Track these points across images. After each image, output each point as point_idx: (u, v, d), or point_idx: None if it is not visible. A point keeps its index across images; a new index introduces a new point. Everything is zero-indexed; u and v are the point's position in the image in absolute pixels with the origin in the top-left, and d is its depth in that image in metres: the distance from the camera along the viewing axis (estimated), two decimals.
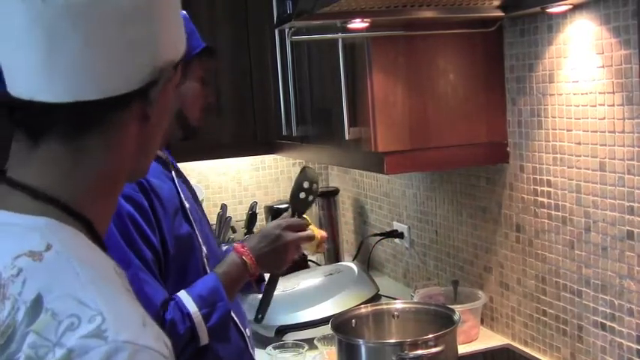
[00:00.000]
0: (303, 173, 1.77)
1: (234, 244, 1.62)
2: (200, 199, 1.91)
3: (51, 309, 0.65)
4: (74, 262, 0.69)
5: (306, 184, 1.74)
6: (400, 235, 2.65)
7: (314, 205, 3.05)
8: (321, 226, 3.00)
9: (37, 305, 0.66)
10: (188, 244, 1.59)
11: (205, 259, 1.61)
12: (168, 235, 1.53)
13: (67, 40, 0.69)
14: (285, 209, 2.93)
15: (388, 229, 2.73)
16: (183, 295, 1.49)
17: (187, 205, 1.65)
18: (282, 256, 1.65)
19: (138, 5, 0.72)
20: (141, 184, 1.52)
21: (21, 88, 0.72)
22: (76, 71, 0.70)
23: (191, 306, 1.47)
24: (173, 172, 1.69)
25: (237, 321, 1.65)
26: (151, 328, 0.70)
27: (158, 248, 1.50)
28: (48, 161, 0.73)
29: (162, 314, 1.44)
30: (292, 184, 1.78)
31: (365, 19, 1.68)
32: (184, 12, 1.62)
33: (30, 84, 0.71)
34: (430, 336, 1.60)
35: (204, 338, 1.49)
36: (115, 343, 0.64)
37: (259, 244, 1.63)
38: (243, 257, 1.60)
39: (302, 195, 1.74)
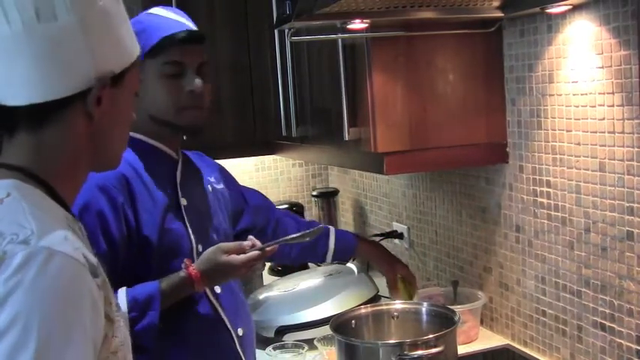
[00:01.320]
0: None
1: (185, 262, 1.58)
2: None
3: (1, 231, 0.89)
4: (23, 202, 0.93)
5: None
6: (400, 236, 2.65)
7: (314, 205, 3.05)
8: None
9: None
10: (177, 239, 1.62)
11: (196, 257, 1.63)
12: (152, 227, 1.58)
13: (15, 58, 0.94)
14: (284, 210, 2.94)
15: (388, 230, 2.73)
16: (122, 292, 1.51)
17: (184, 203, 1.66)
18: (228, 277, 1.63)
19: (63, 30, 0.94)
20: (123, 179, 1.56)
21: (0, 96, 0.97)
22: (26, 81, 0.95)
23: (123, 305, 1.48)
24: (178, 172, 1.69)
25: (227, 320, 1.66)
26: (73, 242, 0.91)
27: (118, 244, 1.55)
28: (20, 147, 0.99)
29: None
30: None
31: (364, 20, 1.68)
32: (142, 13, 1.64)
33: (1, 92, 0.97)
34: (430, 336, 1.60)
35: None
36: (35, 247, 0.87)
37: (206, 267, 1.58)
38: (190, 273, 1.56)
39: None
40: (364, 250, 2.14)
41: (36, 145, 0.99)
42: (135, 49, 1.06)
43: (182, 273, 1.56)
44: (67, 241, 0.91)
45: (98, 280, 0.93)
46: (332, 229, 2.10)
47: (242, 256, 1.58)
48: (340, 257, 2.11)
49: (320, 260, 2.12)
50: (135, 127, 1.52)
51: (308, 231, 1.71)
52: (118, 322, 0.98)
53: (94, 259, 0.95)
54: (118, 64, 1.01)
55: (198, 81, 1.65)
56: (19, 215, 0.91)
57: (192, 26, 1.69)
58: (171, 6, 2.47)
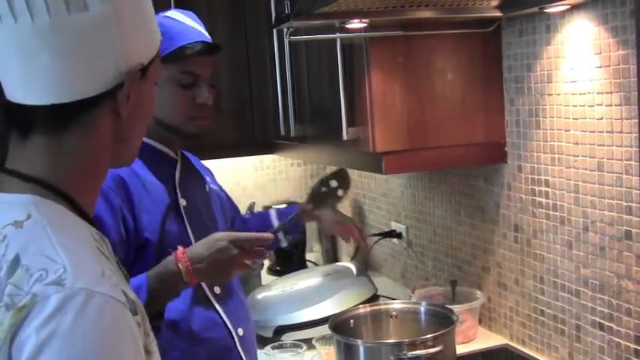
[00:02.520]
0: (336, 173, 1.76)
1: (178, 248, 1.51)
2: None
3: (25, 265, 0.79)
4: (48, 227, 0.82)
5: (333, 183, 1.72)
6: (398, 236, 2.65)
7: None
8: (318, 227, 3.01)
9: (15, 263, 0.80)
10: (176, 239, 1.60)
11: None
12: (151, 229, 1.58)
13: (37, 54, 0.84)
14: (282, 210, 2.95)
15: (386, 230, 2.73)
16: None
17: (183, 204, 1.66)
18: (223, 270, 1.53)
19: (95, 21, 0.85)
20: (120, 180, 1.55)
21: (11, 93, 0.87)
22: (48, 79, 0.85)
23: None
24: (177, 172, 1.69)
25: (227, 320, 1.65)
26: (110, 279, 0.82)
27: (117, 247, 1.51)
28: (35, 152, 0.88)
29: None
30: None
31: (363, 20, 1.68)
32: (162, 14, 1.61)
33: (16, 90, 0.87)
34: (429, 336, 1.60)
35: None
36: (72, 289, 0.77)
37: (201, 254, 1.50)
38: (179, 264, 1.47)
39: (323, 189, 1.73)
40: (311, 216, 2.07)
41: (55, 150, 0.88)
42: (158, 36, 0.97)
43: (171, 264, 1.49)
44: (105, 278, 0.81)
45: (138, 318, 0.84)
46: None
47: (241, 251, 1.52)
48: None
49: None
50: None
51: (292, 215, 1.79)
52: (156, 353, 0.91)
53: (132, 295, 0.85)
54: (147, 54, 0.92)
55: (209, 94, 1.66)
56: (46, 245, 0.81)
57: (207, 35, 1.69)
58: (171, 6, 2.47)
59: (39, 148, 0.88)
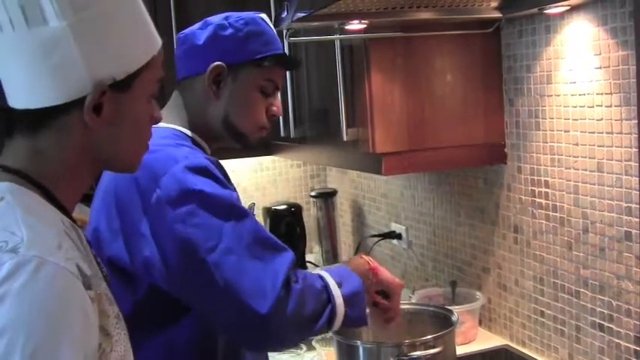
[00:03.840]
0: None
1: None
2: None
3: None
4: (17, 208, 0.90)
5: None
6: (398, 236, 2.65)
7: (312, 205, 3.05)
8: (318, 228, 3.01)
9: None
10: None
11: None
12: None
13: (7, 63, 0.93)
14: (283, 211, 2.95)
15: (386, 230, 2.73)
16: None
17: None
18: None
19: (53, 36, 0.90)
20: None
21: (6, 97, 0.96)
22: (18, 86, 0.93)
23: (319, 272, 1.44)
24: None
25: None
26: (66, 252, 0.88)
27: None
28: (17, 149, 0.97)
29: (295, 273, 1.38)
30: None
31: (363, 21, 1.69)
32: (257, 14, 1.53)
33: (3, 93, 0.96)
34: (429, 337, 1.60)
35: (339, 304, 1.40)
36: (24, 256, 0.84)
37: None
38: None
39: None
40: None
41: (32, 148, 0.96)
42: (150, 49, 0.99)
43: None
44: (60, 250, 0.87)
45: (91, 293, 0.89)
46: None
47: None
48: None
49: None
50: (193, 124, 1.49)
51: None
52: (117, 336, 0.94)
53: (88, 271, 0.91)
54: (120, 69, 0.95)
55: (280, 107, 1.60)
56: (11, 222, 0.88)
57: None
58: (170, 7, 2.48)
59: (19, 146, 0.96)
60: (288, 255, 1.38)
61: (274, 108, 1.56)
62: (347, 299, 1.41)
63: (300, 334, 1.41)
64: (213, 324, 1.37)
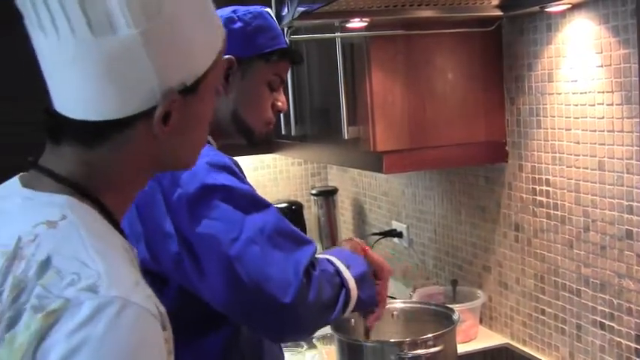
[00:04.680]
0: None
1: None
2: None
3: (56, 267, 0.77)
4: (82, 231, 0.81)
5: None
6: (399, 235, 2.65)
7: (313, 204, 3.05)
8: (319, 226, 3.01)
9: (45, 264, 0.77)
10: None
11: None
12: None
13: (66, 72, 0.83)
14: (284, 209, 2.95)
15: (387, 228, 2.73)
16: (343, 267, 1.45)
17: None
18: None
19: (122, 45, 0.81)
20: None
21: (52, 100, 0.87)
22: (76, 97, 0.84)
23: (326, 256, 1.44)
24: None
25: None
26: (144, 289, 0.80)
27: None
28: (67, 158, 0.87)
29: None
30: None
31: (364, 19, 1.68)
32: (263, 9, 1.53)
33: (54, 99, 0.87)
34: (429, 335, 1.59)
35: (352, 287, 1.40)
36: (106, 297, 0.75)
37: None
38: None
39: None
40: None
41: (84, 159, 0.86)
42: (217, 44, 0.91)
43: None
44: (139, 287, 0.79)
45: (166, 334, 0.81)
46: None
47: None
48: None
49: None
50: None
51: None
52: None
53: (163, 308, 0.82)
54: (190, 74, 0.87)
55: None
56: (79, 248, 0.79)
57: None
58: None
59: (69, 155, 0.87)
60: (311, 246, 1.38)
61: (279, 103, 1.56)
62: (358, 280, 1.42)
63: (322, 319, 1.40)
64: (237, 316, 1.36)
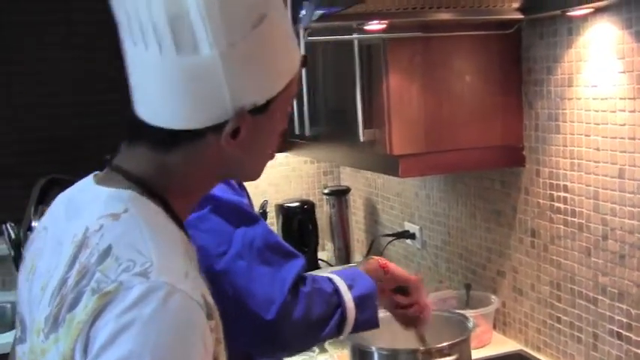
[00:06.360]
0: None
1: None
2: None
3: (115, 255, 0.84)
4: (142, 222, 0.88)
5: None
6: (412, 236, 2.63)
7: (325, 203, 3.03)
8: (331, 225, 2.99)
9: (106, 252, 0.85)
10: None
11: None
12: None
13: (148, 82, 0.90)
14: (295, 208, 2.93)
15: (400, 230, 2.71)
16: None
17: None
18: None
19: (202, 65, 0.87)
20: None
21: (137, 109, 0.94)
22: (154, 105, 0.91)
23: (329, 274, 1.43)
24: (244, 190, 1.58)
25: None
26: (193, 280, 0.85)
27: None
28: (139, 158, 0.94)
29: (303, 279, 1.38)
30: None
31: (382, 21, 1.66)
32: None
33: (135, 103, 0.94)
34: (444, 344, 1.57)
35: (350, 307, 1.39)
36: (155, 282, 0.81)
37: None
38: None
39: None
40: None
41: (158, 161, 0.93)
42: (292, 69, 0.96)
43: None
44: (188, 279, 0.85)
45: (212, 323, 0.87)
46: None
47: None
48: None
49: None
50: None
51: None
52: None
53: (211, 300, 0.89)
54: (263, 94, 0.92)
55: None
56: (137, 239, 0.86)
57: None
58: None
59: (143, 156, 0.94)
60: (299, 261, 1.37)
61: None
62: (358, 302, 1.40)
63: (310, 338, 1.40)
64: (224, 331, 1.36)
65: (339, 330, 1.40)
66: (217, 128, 0.91)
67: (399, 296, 1.52)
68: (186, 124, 0.90)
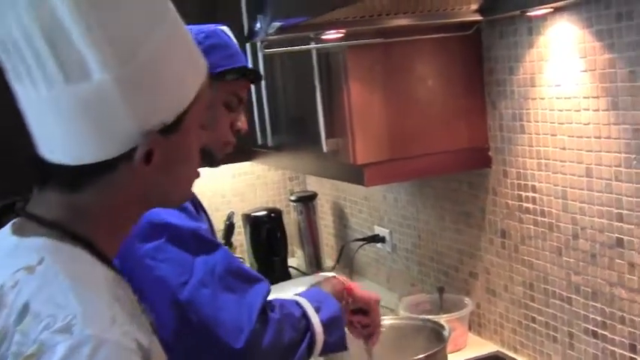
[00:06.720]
0: None
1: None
2: None
3: (34, 311, 0.77)
4: (59, 272, 0.80)
5: None
6: (382, 240, 2.60)
7: (293, 210, 2.99)
8: (300, 232, 2.96)
9: (24, 310, 0.78)
10: None
11: None
12: None
13: (43, 118, 0.84)
14: (263, 217, 2.89)
15: (370, 233, 2.68)
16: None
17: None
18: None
19: (95, 90, 0.80)
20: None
21: (39, 148, 0.87)
22: (55, 142, 0.84)
23: (296, 298, 1.42)
24: (202, 213, 1.56)
25: None
26: (121, 326, 0.78)
27: None
28: (51, 203, 0.87)
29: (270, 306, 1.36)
30: None
31: (339, 30, 1.62)
32: (217, 27, 1.50)
33: (37, 144, 0.87)
34: (420, 356, 1.55)
35: (319, 331, 1.38)
36: (80, 336, 0.74)
37: None
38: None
39: None
40: None
41: (70, 204, 0.86)
42: (198, 78, 0.90)
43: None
44: (115, 325, 0.78)
45: None
46: None
47: None
48: None
49: None
50: None
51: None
52: None
53: (146, 341, 0.82)
54: (171, 112, 0.86)
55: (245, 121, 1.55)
56: (56, 291, 0.79)
57: None
58: None
59: (52, 200, 0.87)
60: (263, 285, 1.36)
61: (239, 123, 1.53)
62: (326, 324, 1.40)
63: None
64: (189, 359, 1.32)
65: (309, 353, 1.39)
66: (127, 156, 0.84)
67: (358, 316, 1.56)
68: (92, 158, 0.83)
